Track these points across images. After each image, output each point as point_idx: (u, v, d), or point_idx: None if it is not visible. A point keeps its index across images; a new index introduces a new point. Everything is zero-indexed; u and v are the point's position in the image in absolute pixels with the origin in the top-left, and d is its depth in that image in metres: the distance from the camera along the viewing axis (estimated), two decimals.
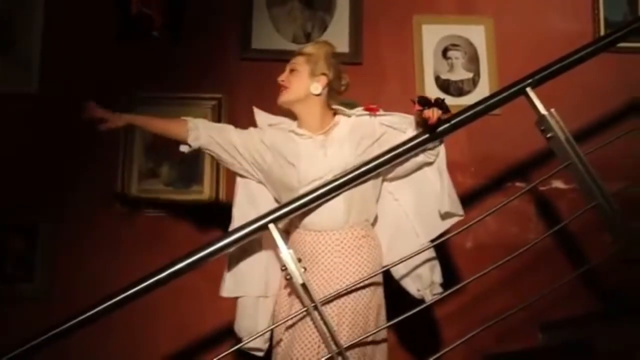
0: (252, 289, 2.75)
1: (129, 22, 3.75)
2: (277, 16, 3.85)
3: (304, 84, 2.78)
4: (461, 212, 2.74)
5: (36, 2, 3.77)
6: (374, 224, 2.82)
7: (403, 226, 2.80)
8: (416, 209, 2.80)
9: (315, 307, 2.47)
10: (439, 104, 2.62)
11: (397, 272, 2.77)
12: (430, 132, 2.67)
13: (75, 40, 3.73)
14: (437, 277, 2.77)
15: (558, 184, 3.73)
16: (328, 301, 2.55)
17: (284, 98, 2.80)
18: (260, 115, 2.91)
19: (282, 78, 2.81)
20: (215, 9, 3.86)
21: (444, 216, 2.73)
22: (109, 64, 3.71)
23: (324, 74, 2.78)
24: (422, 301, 2.71)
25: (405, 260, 2.67)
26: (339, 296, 2.57)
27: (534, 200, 3.74)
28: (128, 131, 3.59)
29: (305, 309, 2.49)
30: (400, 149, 2.67)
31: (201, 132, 2.79)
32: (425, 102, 2.63)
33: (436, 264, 2.78)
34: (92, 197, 3.60)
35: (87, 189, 3.60)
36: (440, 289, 2.75)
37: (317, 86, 2.77)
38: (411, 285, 2.77)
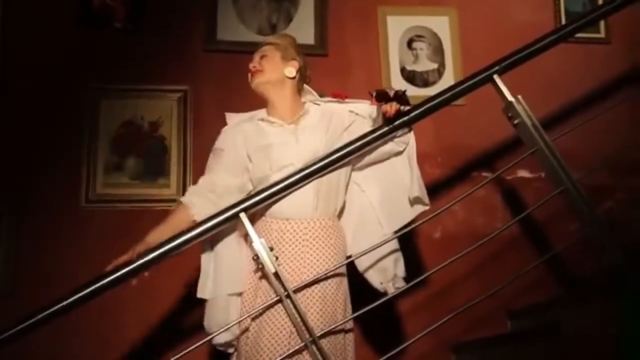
0: (231, 287, 2.66)
1: (91, 12, 3.67)
2: (242, 7, 3.82)
3: (277, 67, 2.77)
4: (427, 200, 2.74)
5: None
6: (340, 215, 2.81)
7: (368, 217, 2.79)
8: (382, 200, 2.79)
9: (288, 296, 2.45)
10: (398, 97, 2.61)
11: (361, 264, 2.76)
12: (388, 125, 2.66)
13: (35, 31, 3.65)
14: (400, 270, 2.76)
15: (524, 173, 3.79)
16: (295, 290, 2.52)
17: (259, 79, 2.77)
18: (232, 118, 2.86)
19: (254, 64, 2.79)
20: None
21: (413, 202, 2.74)
22: (71, 55, 3.64)
23: (294, 59, 2.80)
24: (385, 293, 2.70)
25: (371, 251, 2.65)
26: (305, 286, 2.55)
27: (501, 190, 3.78)
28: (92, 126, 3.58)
29: (277, 297, 2.46)
30: (370, 137, 2.67)
31: (199, 200, 2.66)
32: (382, 97, 2.62)
33: (400, 257, 2.78)
34: (57, 191, 3.52)
35: (50, 183, 3.52)
36: (402, 283, 2.74)
37: (292, 70, 2.78)
38: (374, 278, 2.75)
